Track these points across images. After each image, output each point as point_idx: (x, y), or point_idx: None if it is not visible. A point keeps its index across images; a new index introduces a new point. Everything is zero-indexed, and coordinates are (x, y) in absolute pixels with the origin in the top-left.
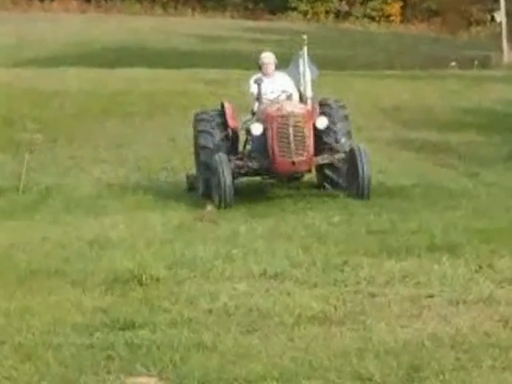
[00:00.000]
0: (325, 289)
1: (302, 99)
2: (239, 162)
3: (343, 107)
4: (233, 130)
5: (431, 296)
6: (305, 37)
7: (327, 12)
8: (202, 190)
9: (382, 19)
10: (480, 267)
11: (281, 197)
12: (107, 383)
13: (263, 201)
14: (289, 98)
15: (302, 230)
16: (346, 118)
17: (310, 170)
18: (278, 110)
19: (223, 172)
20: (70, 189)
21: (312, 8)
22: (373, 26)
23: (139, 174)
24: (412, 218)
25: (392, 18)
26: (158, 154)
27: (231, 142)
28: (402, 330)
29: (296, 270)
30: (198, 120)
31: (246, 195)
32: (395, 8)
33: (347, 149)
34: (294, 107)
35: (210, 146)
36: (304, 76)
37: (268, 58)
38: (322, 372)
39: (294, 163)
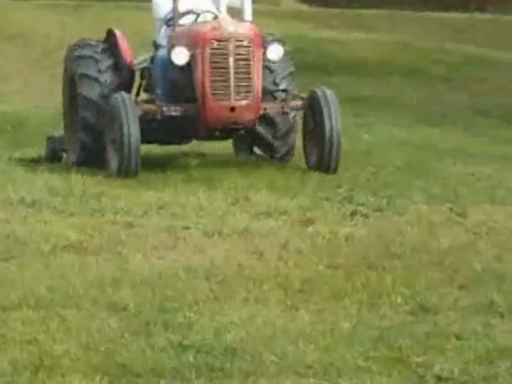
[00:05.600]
0: (82, 218)
1: None
2: (149, 106)
3: (281, 42)
4: (128, 71)
5: (187, 228)
6: None
7: None
8: (76, 156)
9: None
10: (236, 200)
11: None
12: None
13: None
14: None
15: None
16: (285, 55)
17: (254, 122)
18: (214, 29)
19: (128, 118)
20: None
21: None
22: None
23: None
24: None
25: None
26: None
27: (126, 88)
28: (157, 260)
29: (54, 199)
30: (75, 57)
31: None
32: None
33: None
34: (238, 27)
35: (95, 95)
36: None
37: None
38: (77, 301)
39: (233, 109)
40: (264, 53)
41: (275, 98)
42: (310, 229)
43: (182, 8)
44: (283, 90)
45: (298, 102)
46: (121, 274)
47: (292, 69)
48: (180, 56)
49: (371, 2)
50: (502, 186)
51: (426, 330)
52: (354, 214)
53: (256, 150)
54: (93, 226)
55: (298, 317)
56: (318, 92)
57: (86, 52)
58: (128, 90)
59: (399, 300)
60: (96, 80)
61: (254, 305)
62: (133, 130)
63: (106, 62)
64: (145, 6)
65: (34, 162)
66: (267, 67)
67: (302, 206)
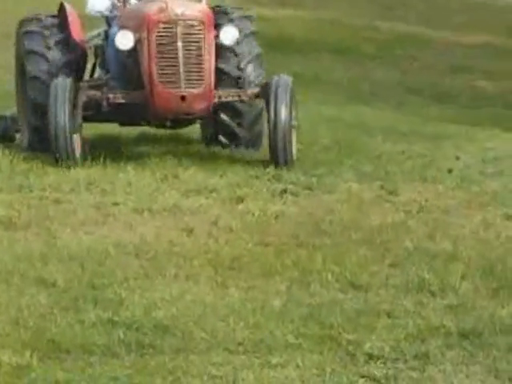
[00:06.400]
0: (10, 194)
1: None
2: (94, 93)
3: (248, 19)
4: (80, 47)
5: (116, 204)
6: None
7: None
8: (27, 140)
9: None
10: (166, 177)
11: None
12: None
13: None
14: None
15: None
16: (252, 35)
17: (208, 111)
18: (160, 10)
19: (59, 105)
20: None
21: None
22: None
23: None
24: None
25: None
26: None
27: (77, 66)
28: (86, 236)
29: None
30: (23, 32)
31: None
32: None
33: (259, 81)
34: (186, 8)
35: (43, 73)
36: None
37: None
38: (5, 276)
39: (183, 98)
40: (217, 36)
41: (238, 85)
42: (240, 206)
43: None
44: (238, 78)
45: (255, 90)
46: (49, 250)
47: (258, 50)
48: (124, 40)
49: None
50: (432, 165)
51: (357, 308)
52: (283, 192)
53: (221, 138)
54: (21, 201)
55: (228, 294)
56: (273, 80)
57: (34, 27)
58: (80, 68)
59: (330, 277)
60: (43, 56)
61: (184, 282)
62: (60, 120)
63: (55, 38)
64: None
65: None
66: (231, 50)
67: (232, 184)
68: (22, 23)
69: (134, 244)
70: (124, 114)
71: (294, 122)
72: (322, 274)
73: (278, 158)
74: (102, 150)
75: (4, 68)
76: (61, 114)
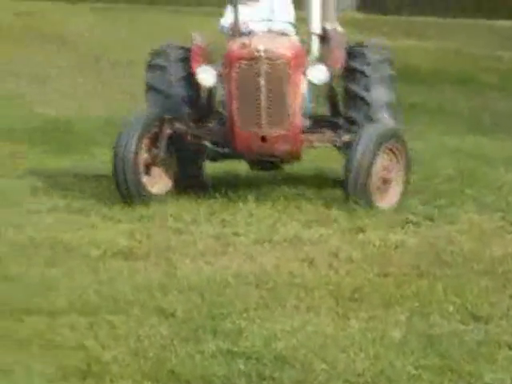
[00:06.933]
0: (131, 224)
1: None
2: (179, 126)
3: (383, 49)
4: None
5: (237, 234)
6: None
7: None
8: None
9: None
10: (286, 208)
11: None
12: None
13: None
14: (277, 32)
15: None
16: (385, 62)
17: (297, 155)
18: (243, 46)
19: (126, 141)
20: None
21: None
22: None
23: None
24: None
25: None
26: None
27: (199, 102)
28: (206, 266)
29: (101, 205)
30: (149, 66)
31: None
32: None
33: (388, 104)
34: (271, 44)
35: (162, 109)
36: None
37: None
38: (125, 306)
39: (264, 139)
40: (305, 74)
41: (336, 127)
42: (361, 236)
43: (245, 15)
44: (365, 99)
45: (348, 136)
46: (169, 280)
47: (390, 73)
48: (205, 76)
49: (421, 9)
50: None
51: (478, 339)
52: (404, 222)
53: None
54: (141, 231)
55: (348, 325)
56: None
57: (160, 61)
58: (203, 103)
59: (450, 308)
60: (162, 93)
61: (304, 313)
62: (128, 153)
63: (178, 73)
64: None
65: (82, 168)
66: (360, 71)
67: (352, 214)
68: (151, 55)
69: (254, 274)
70: (209, 150)
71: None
72: (442, 305)
73: (348, 190)
74: (224, 182)
75: (129, 94)
76: (130, 145)
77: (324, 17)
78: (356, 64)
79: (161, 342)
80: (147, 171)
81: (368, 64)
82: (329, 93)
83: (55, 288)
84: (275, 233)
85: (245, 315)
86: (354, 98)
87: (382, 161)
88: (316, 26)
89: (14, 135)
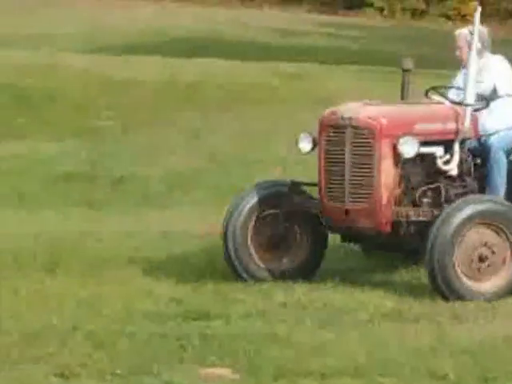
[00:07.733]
0: (398, 288)
1: None
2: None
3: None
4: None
5: None
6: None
7: (403, 9)
8: None
9: (458, 18)
10: None
11: None
12: (180, 373)
13: None
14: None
15: None
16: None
17: (382, 230)
18: (332, 113)
19: (239, 208)
20: (142, 179)
21: (388, 5)
22: (448, 25)
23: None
24: None
25: (468, 18)
26: (234, 147)
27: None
28: (477, 330)
29: None
30: None
31: None
32: (471, 8)
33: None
34: (361, 112)
35: None
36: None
37: (458, 36)
38: (396, 369)
39: (347, 213)
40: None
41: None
42: None
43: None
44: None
45: (436, 212)
46: (440, 343)
47: None
48: (303, 144)
49: None
50: None
51: None
52: None
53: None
54: (410, 293)
55: None
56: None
57: None
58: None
59: None
60: None
61: None
62: (238, 225)
63: None
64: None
65: None
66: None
67: None
68: None
69: None
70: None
71: None
72: None
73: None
74: None
75: None
76: (237, 219)
77: None
78: None
79: None
80: None
81: None
82: None
83: (326, 350)
84: None
85: None
86: None
87: None
88: (469, 98)
89: None
